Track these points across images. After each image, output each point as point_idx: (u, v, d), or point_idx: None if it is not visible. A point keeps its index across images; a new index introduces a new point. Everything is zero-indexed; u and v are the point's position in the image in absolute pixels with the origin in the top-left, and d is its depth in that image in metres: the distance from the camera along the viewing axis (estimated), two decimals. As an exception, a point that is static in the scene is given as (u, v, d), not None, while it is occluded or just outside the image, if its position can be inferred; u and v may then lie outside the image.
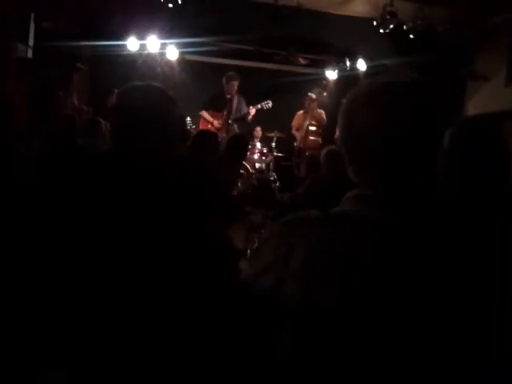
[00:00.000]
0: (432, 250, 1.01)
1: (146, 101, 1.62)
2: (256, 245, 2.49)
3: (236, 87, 7.31)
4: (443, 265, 1.01)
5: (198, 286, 1.39)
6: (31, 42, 6.69)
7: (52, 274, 1.49)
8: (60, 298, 1.45)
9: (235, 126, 7.33)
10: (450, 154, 1.60)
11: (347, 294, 0.98)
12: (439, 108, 1.07)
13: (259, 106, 7.47)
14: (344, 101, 1.16)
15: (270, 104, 7.49)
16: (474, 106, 7.28)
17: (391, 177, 1.06)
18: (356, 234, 1.02)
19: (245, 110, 7.41)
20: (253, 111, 7.42)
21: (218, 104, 7.34)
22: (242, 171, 5.13)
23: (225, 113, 7.34)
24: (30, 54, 6.66)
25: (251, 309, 1.11)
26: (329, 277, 1.00)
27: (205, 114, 7.40)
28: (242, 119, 7.42)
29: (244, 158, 4.56)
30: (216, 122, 7.27)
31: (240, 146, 4.45)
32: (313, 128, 8.06)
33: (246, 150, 4.70)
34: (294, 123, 8.28)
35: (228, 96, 7.37)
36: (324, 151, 4.36)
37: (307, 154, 7.28)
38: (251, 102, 7.52)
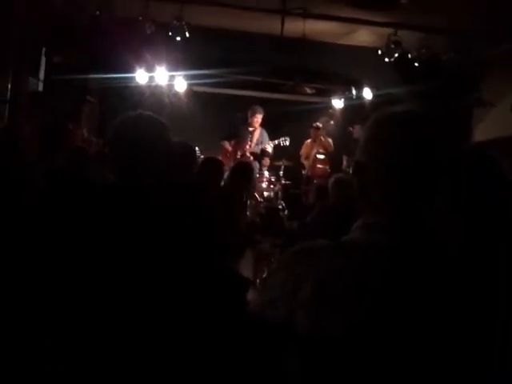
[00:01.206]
0: (438, 273, 1.03)
1: (138, 130, 1.64)
2: (265, 274, 2.48)
3: (260, 120, 7.57)
4: (449, 288, 1.02)
5: (207, 319, 1.39)
6: (42, 76, 6.82)
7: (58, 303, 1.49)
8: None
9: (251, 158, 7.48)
10: (454, 180, 1.61)
11: (356, 322, 0.99)
12: (442, 138, 1.09)
13: (276, 142, 7.67)
14: (350, 129, 1.20)
15: (288, 142, 7.65)
16: (481, 132, 7.28)
17: (396, 204, 1.08)
18: (364, 262, 1.04)
19: (266, 143, 7.58)
20: (271, 147, 7.61)
21: (240, 135, 7.55)
22: (248, 200, 5.14)
23: (247, 144, 7.55)
24: (40, 87, 6.79)
25: (260, 340, 1.11)
26: (337, 306, 1.01)
27: (226, 144, 7.62)
28: (260, 154, 7.61)
29: (249, 185, 4.53)
30: (237, 153, 7.43)
31: (245, 173, 4.45)
32: (320, 156, 8.10)
33: (251, 177, 4.68)
34: (303, 152, 8.35)
35: (251, 128, 7.56)
36: (332, 179, 4.37)
37: (315, 182, 7.29)
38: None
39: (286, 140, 7.67)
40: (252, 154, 7.58)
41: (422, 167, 1.06)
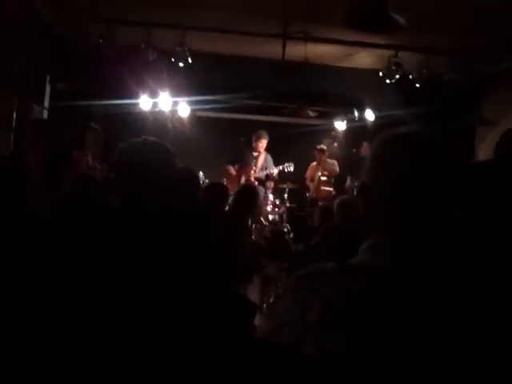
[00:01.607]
0: (441, 293, 1.04)
1: (143, 156, 1.65)
2: (272, 299, 2.46)
3: (265, 145, 7.61)
4: (453, 307, 1.03)
5: (215, 345, 1.37)
6: (46, 103, 6.89)
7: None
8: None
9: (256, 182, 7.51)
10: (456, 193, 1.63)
11: (361, 344, 1.00)
12: (444, 159, 1.10)
13: (281, 168, 7.68)
14: (354, 150, 1.22)
15: (292, 167, 7.67)
16: (484, 151, 7.29)
17: (399, 225, 1.09)
18: (369, 285, 1.05)
19: (270, 168, 7.61)
20: (275, 172, 7.64)
21: (245, 160, 7.60)
22: (253, 223, 5.14)
23: (251, 169, 7.60)
24: (45, 114, 6.86)
25: (267, 366, 1.11)
26: (343, 329, 1.02)
27: (230, 168, 7.64)
28: (265, 178, 7.67)
29: (254, 209, 4.53)
30: (242, 178, 7.47)
31: (250, 197, 4.44)
32: (325, 178, 8.12)
33: (256, 201, 4.66)
34: (307, 174, 8.38)
35: (255, 153, 7.60)
36: (337, 201, 4.37)
37: (320, 204, 7.29)
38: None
39: (290, 166, 7.70)
40: (256, 179, 7.61)
41: (424, 188, 1.07)
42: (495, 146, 2.21)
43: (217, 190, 4.31)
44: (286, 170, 7.74)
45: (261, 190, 7.48)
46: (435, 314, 1.02)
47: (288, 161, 7.74)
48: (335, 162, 8.21)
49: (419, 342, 1.00)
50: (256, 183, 7.48)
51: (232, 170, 7.70)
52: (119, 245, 1.55)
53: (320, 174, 8.14)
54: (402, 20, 4.12)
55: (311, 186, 8.29)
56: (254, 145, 7.70)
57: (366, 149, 7.68)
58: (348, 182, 7.83)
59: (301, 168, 8.44)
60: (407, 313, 1.01)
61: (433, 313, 1.02)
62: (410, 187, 1.07)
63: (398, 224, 1.08)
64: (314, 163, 8.33)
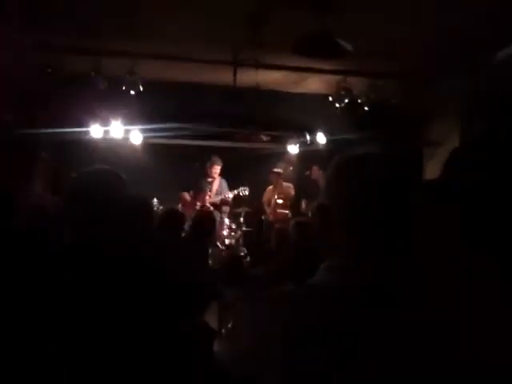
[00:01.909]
0: (401, 310, 1.03)
1: (95, 186, 1.62)
2: (230, 324, 2.44)
3: (218, 171, 7.68)
4: (413, 326, 1.02)
5: (175, 372, 1.34)
6: (-7, 135, 6.69)
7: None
8: None
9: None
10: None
11: (330, 367, 0.98)
12: (400, 176, 1.12)
13: (236, 192, 7.71)
14: (307, 172, 1.22)
15: (247, 191, 7.71)
16: (432, 170, 7.53)
17: (359, 245, 1.09)
18: (329, 304, 1.04)
19: (225, 193, 7.66)
20: (230, 197, 7.68)
21: (199, 186, 7.63)
22: (210, 248, 5.10)
23: (206, 195, 7.61)
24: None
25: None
26: (309, 351, 1.00)
27: (186, 195, 7.65)
28: (220, 204, 7.68)
29: (211, 235, 4.52)
30: (197, 204, 7.45)
31: (207, 224, 4.43)
32: (280, 201, 8.19)
33: (213, 228, 4.66)
34: (265, 198, 8.44)
35: (210, 179, 7.64)
36: (292, 222, 4.40)
37: (276, 226, 7.32)
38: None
39: (245, 190, 7.75)
40: (212, 204, 7.61)
41: (383, 207, 1.08)
42: (443, 165, 2.27)
43: (172, 217, 4.27)
44: (241, 194, 7.77)
45: (216, 214, 7.47)
46: (399, 335, 1.01)
47: (243, 185, 7.79)
48: (291, 185, 8.31)
49: (381, 360, 0.99)
50: (211, 208, 7.47)
51: (187, 196, 7.69)
52: (72, 281, 1.51)
53: (276, 197, 8.20)
54: (348, 46, 4.25)
55: (267, 209, 8.35)
56: (207, 171, 7.73)
57: (316, 172, 7.83)
58: (303, 204, 7.92)
59: (256, 192, 8.48)
60: (370, 334, 1.01)
61: (397, 333, 1.01)
62: (368, 207, 1.08)
63: (358, 244, 1.09)
64: (271, 187, 8.40)
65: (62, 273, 1.54)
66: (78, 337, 1.40)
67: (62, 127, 6.87)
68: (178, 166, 8.04)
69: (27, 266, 1.90)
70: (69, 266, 1.56)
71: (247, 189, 7.75)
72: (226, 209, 8.27)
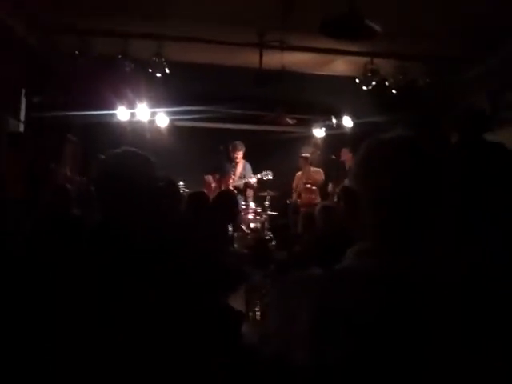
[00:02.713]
0: (431, 297, 1.01)
1: (124, 167, 1.62)
2: (257, 307, 2.46)
3: (241, 155, 7.68)
4: (454, 314, 1.01)
5: (204, 356, 1.36)
6: (22, 116, 6.80)
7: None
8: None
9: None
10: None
11: (357, 351, 0.97)
12: (431, 161, 1.09)
13: (259, 176, 7.70)
14: (333, 157, 1.20)
15: (271, 176, 7.68)
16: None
17: (388, 230, 1.07)
18: (358, 289, 1.03)
19: (249, 177, 7.68)
20: (253, 181, 7.67)
21: (224, 169, 7.68)
22: (235, 232, 5.10)
23: (230, 179, 7.66)
24: (21, 128, 6.76)
25: (257, 374, 1.10)
26: (334, 335, 0.99)
27: (210, 178, 7.70)
28: (244, 187, 7.70)
29: (233, 214, 4.40)
30: (221, 187, 7.49)
31: (227, 203, 4.29)
32: (308, 186, 8.11)
33: (234, 207, 4.48)
34: (294, 184, 8.36)
35: (233, 163, 7.70)
36: (318, 207, 4.38)
37: (302, 210, 7.30)
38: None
39: (268, 174, 7.72)
40: (235, 188, 7.62)
41: (414, 193, 1.06)
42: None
43: (197, 200, 4.28)
44: (264, 179, 7.76)
45: (239, 198, 7.49)
46: (426, 320, 1.00)
47: (266, 169, 7.76)
48: (320, 171, 8.19)
49: (411, 347, 0.98)
50: (235, 192, 7.48)
51: (211, 180, 7.72)
52: (101, 261, 1.53)
53: (304, 181, 8.14)
54: (377, 27, 4.16)
55: (295, 195, 8.31)
56: (231, 155, 7.75)
57: (345, 154, 7.72)
58: (330, 187, 7.85)
59: (280, 175, 8.45)
60: (398, 318, 0.99)
61: (424, 318, 1.00)
62: (399, 191, 1.06)
63: (387, 229, 1.07)
64: (300, 173, 8.34)
65: (90, 252, 1.56)
66: (104, 316, 1.42)
67: (89, 109, 6.93)
68: (204, 149, 8.05)
69: (56, 247, 1.94)
70: (96, 247, 1.58)
71: (270, 173, 7.72)
72: (250, 193, 8.28)
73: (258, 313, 2.41)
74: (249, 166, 7.84)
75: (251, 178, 7.71)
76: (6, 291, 2.05)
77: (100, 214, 1.72)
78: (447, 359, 0.99)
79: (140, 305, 1.43)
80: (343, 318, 1.00)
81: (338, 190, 6.16)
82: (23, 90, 6.76)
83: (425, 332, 0.99)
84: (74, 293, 1.48)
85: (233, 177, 7.70)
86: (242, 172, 7.77)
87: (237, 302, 2.63)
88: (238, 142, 7.72)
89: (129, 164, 1.64)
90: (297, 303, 1.05)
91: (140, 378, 1.33)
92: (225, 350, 1.38)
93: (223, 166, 7.73)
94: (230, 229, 4.77)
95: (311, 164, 8.22)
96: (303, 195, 8.09)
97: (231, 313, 1.74)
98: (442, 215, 1.08)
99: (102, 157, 1.71)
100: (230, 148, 7.74)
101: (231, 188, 7.58)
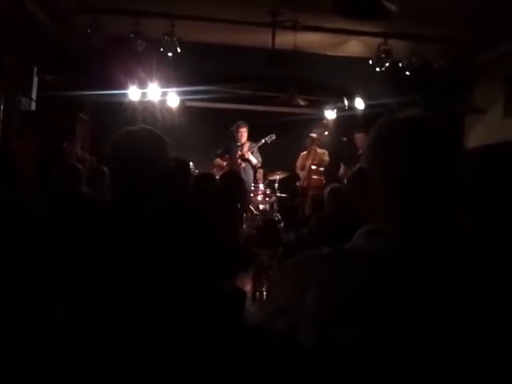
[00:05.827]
0: (453, 284, 1.00)
1: (138, 146, 1.61)
2: (265, 287, 2.46)
3: (245, 134, 7.71)
4: (466, 299, 0.99)
5: (208, 334, 1.36)
6: (34, 95, 6.82)
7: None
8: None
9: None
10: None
11: (368, 333, 0.97)
12: (451, 141, 1.07)
13: (263, 141, 7.77)
14: (344, 139, 1.18)
15: (274, 136, 7.71)
16: (473, 138, 7.32)
17: (400, 211, 1.05)
18: (367, 269, 1.01)
19: (256, 156, 7.74)
20: (259, 161, 7.77)
21: (232, 151, 7.73)
22: (244, 213, 5.09)
23: (237, 157, 7.71)
24: (33, 106, 6.79)
25: (265, 352, 1.09)
26: (347, 316, 0.99)
27: (218, 160, 7.75)
28: (253, 169, 7.80)
29: (239, 194, 4.34)
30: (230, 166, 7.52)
31: (233, 183, 4.22)
32: (315, 167, 8.12)
33: (240, 186, 4.36)
34: (298, 164, 8.39)
35: (239, 143, 7.74)
36: (327, 189, 4.37)
37: (311, 193, 7.30)
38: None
39: (271, 136, 7.78)
40: (244, 159, 7.65)
41: (425, 171, 1.04)
42: None
43: (207, 181, 4.27)
44: (268, 142, 7.79)
45: (247, 166, 7.62)
46: (435, 301, 0.98)
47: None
48: (325, 152, 8.21)
49: (421, 330, 0.97)
50: (243, 165, 7.53)
51: (221, 162, 7.73)
52: (115, 239, 1.53)
53: (310, 162, 8.14)
54: (392, 7, 4.10)
55: (301, 174, 8.29)
56: (235, 135, 7.77)
57: (360, 139, 7.55)
58: (341, 170, 7.80)
59: (291, 157, 8.43)
60: (408, 299, 0.98)
61: (440, 302, 0.98)
62: (412, 171, 1.04)
63: (400, 209, 1.05)
64: (305, 152, 8.34)
65: (103, 230, 1.57)
66: (119, 294, 1.43)
67: (100, 89, 6.93)
68: (214, 130, 8.04)
69: (69, 227, 1.94)
70: (109, 225, 1.58)
71: (273, 135, 7.80)
72: (260, 174, 8.28)
73: (265, 293, 2.43)
74: (255, 146, 7.83)
75: (258, 158, 7.74)
76: (16, 274, 2.07)
77: (111, 192, 1.72)
78: (458, 346, 0.97)
79: (155, 283, 1.44)
80: (353, 296, 0.99)
81: (349, 172, 6.12)
82: (35, 69, 6.77)
83: (434, 317, 0.98)
84: (91, 273, 1.49)
85: (237, 155, 7.72)
86: (249, 149, 7.80)
87: (245, 283, 2.64)
88: (240, 122, 7.75)
89: (142, 142, 1.63)
90: (306, 280, 1.04)
91: (147, 354, 1.35)
92: (228, 329, 1.39)
93: (231, 148, 7.73)
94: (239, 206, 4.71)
95: (318, 145, 8.20)
96: (311, 176, 8.08)
97: (234, 291, 1.75)
98: (454, 197, 1.06)
99: (116, 135, 1.70)
100: (234, 128, 7.78)
101: (239, 162, 7.61)
